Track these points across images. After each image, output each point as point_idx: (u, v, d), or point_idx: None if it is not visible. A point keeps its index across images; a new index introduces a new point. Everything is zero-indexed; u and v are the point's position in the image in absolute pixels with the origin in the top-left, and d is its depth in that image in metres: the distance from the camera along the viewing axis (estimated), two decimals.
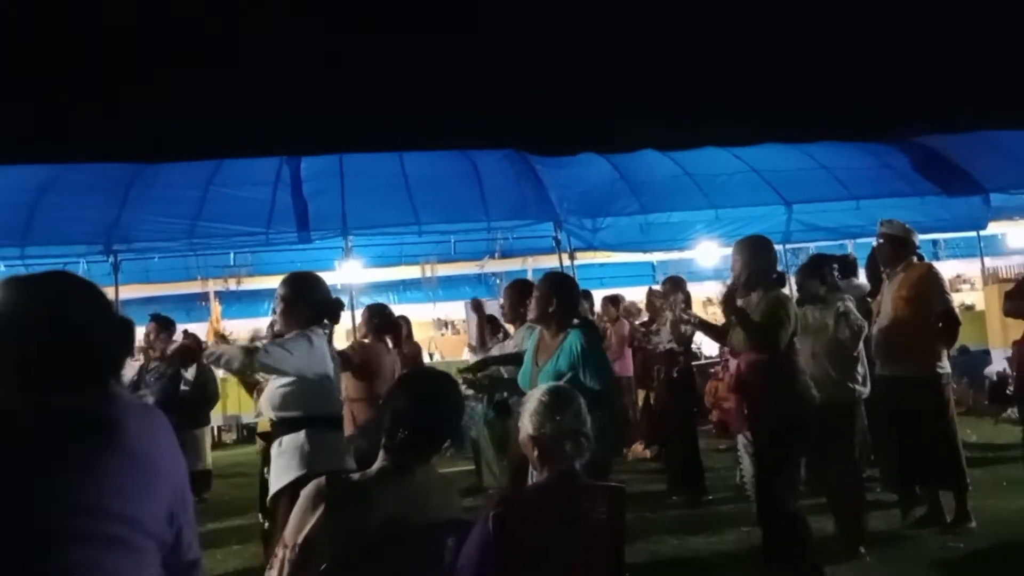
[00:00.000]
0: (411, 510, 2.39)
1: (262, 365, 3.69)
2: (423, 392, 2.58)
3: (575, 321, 4.39)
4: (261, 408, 3.89)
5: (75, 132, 20.88)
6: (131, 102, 23.59)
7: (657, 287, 9.93)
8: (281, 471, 3.71)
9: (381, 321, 6.38)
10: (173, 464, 1.78)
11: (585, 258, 12.77)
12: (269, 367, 3.71)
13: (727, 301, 4.70)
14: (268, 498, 3.79)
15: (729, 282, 4.90)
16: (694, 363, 8.17)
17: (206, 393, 7.93)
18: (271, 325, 5.84)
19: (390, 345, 6.52)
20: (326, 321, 4.07)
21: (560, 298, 4.39)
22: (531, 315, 4.54)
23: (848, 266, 6.58)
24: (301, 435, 3.71)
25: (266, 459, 3.98)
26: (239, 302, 15.23)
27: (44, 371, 1.62)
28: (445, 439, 2.60)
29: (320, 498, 2.31)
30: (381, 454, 2.49)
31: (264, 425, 4.42)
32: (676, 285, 7.60)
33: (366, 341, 6.38)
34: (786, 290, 5.04)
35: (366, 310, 6.53)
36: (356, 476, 2.46)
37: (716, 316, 13.48)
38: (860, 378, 5.52)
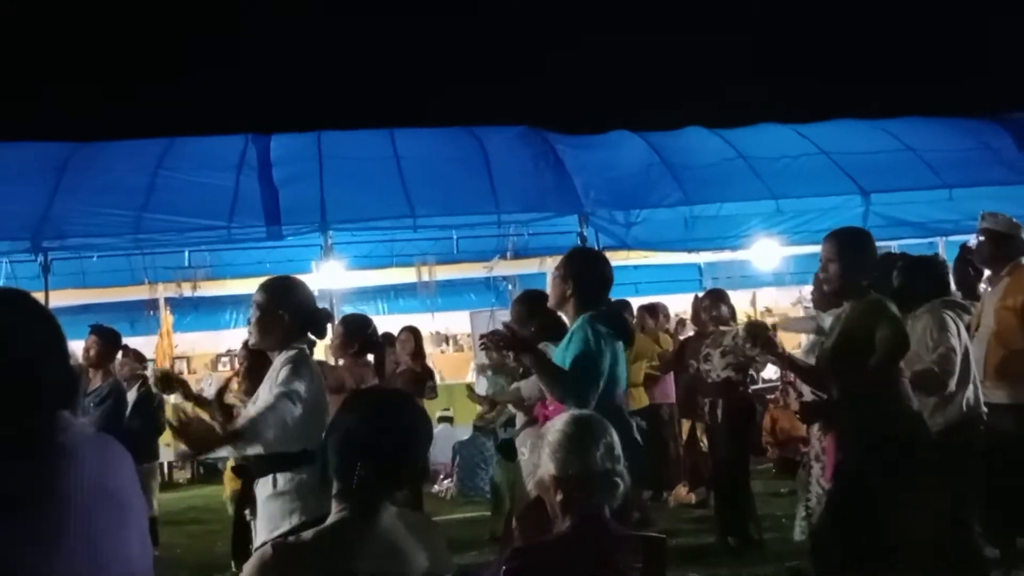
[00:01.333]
0: (386, 565, 2.35)
1: (265, 442, 3.71)
2: (376, 413, 2.53)
3: (601, 308, 4.41)
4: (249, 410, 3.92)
5: None
6: (62, 65, 23.72)
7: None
8: (277, 515, 3.73)
9: (364, 340, 6.34)
10: (138, 503, 1.91)
11: (617, 259, 12.67)
12: (274, 439, 3.72)
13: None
14: (255, 548, 3.81)
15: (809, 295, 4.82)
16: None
17: (155, 422, 7.98)
18: (245, 343, 5.89)
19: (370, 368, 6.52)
20: (310, 335, 4.11)
21: (579, 278, 4.41)
22: (550, 301, 4.58)
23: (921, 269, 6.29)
24: (303, 473, 3.74)
25: (244, 501, 3.99)
26: (195, 311, 15.30)
27: None
28: (410, 469, 2.57)
29: (267, 573, 2.28)
30: (334, 503, 2.45)
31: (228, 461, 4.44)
32: (716, 299, 7.63)
33: (340, 363, 6.38)
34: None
35: (340, 323, 6.49)
36: (308, 535, 2.40)
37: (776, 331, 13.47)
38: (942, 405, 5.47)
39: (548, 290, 4.58)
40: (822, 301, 6.06)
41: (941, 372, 5.13)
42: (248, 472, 3.95)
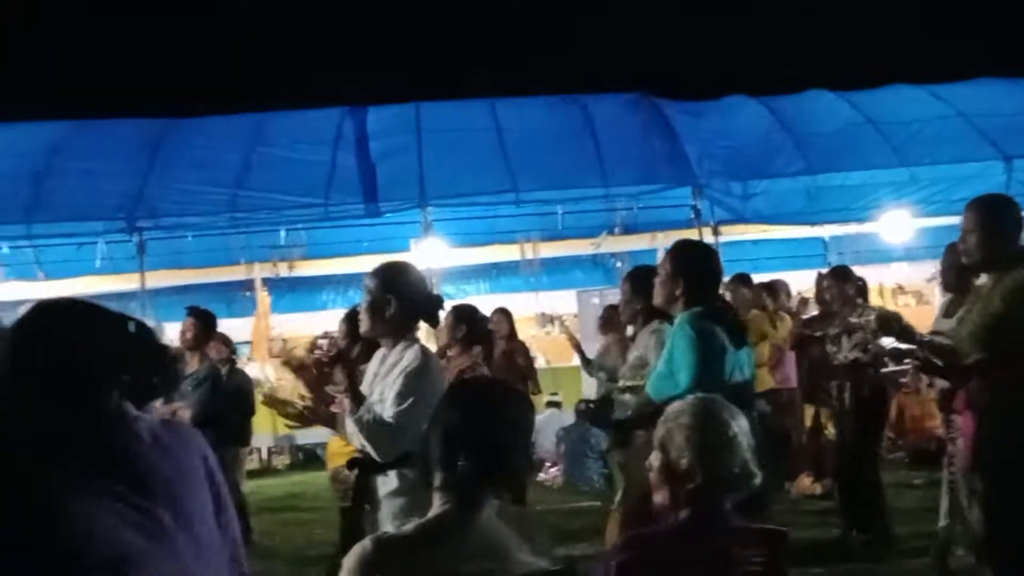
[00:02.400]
0: (488, 563, 2.37)
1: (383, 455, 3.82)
2: (481, 403, 2.55)
3: (714, 305, 4.36)
4: (353, 437, 3.98)
5: (88, 79, 21.68)
6: (153, 40, 24.36)
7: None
8: (400, 511, 3.77)
9: (470, 328, 6.41)
10: (204, 488, 2.12)
11: (733, 233, 12.63)
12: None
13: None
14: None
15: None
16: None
17: (245, 404, 8.18)
18: (347, 325, 6.01)
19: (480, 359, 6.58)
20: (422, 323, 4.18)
21: (689, 275, 4.37)
22: (656, 299, 4.54)
23: None
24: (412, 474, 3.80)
25: (363, 495, 4.06)
26: (292, 292, 15.60)
27: (35, 392, 2.01)
28: (513, 462, 2.57)
29: (368, 569, 2.32)
30: (435, 497, 2.47)
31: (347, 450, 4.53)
32: (841, 277, 7.43)
33: (450, 354, 6.45)
34: None
35: (450, 313, 6.55)
36: (408, 529, 2.44)
37: (909, 308, 13.17)
38: None
39: (655, 293, 4.52)
40: (954, 281, 5.86)
41: None
42: (365, 466, 4.01)
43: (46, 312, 2.13)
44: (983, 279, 4.50)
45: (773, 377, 9.03)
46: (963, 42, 20.98)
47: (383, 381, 3.96)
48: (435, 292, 4.34)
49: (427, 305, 4.17)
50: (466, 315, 6.52)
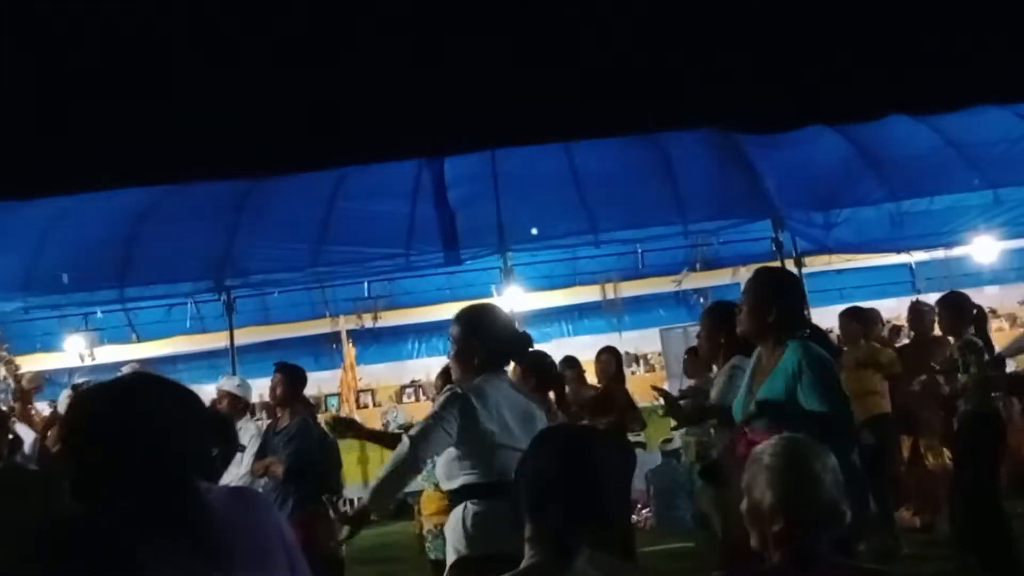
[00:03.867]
0: None
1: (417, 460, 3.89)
2: (574, 449, 2.50)
3: (804, 333, 4.28)
4: (438, 476, 4.06)
5: (173, 146, 22.30)
6: (236, 104, 24.96)
7: (924, 298, 9.53)
8: (461, 544, 3.88)
9: (540, 376, 6.37)
10: (283, 554, 2.13)
11: (817, 264, 12.47)
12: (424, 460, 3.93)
13: None
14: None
15: None
16: None
17: (333, 456, 8.22)
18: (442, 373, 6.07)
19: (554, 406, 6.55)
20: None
21: (778, 303, 4.30)
22: (741, 327, 4.47)
23: None
24: (459, 509, 3.86)
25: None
26: (377, 342, 15.74)
27: (112, 479, 2.02)
28: (607, 512, 2.52)
29: None
30: (527, 548, 2.43)
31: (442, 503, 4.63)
32: (958, 310, 7.14)
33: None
34: None
35: (519, 363, 6.53)
36: None
37: (1003, 332, 12.85)
38: None
39: (740, 318, 4.45)
40: None
41: None
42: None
43: (112, 396, 2.15)
44: None
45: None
46: None
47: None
48: (524, 332, 4.33)
49: (514, 344, 4.17)
50: (536, 363, 6.44)
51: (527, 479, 2.49)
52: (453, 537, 3.91)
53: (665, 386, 12.72)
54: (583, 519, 2.42)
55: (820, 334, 4.65)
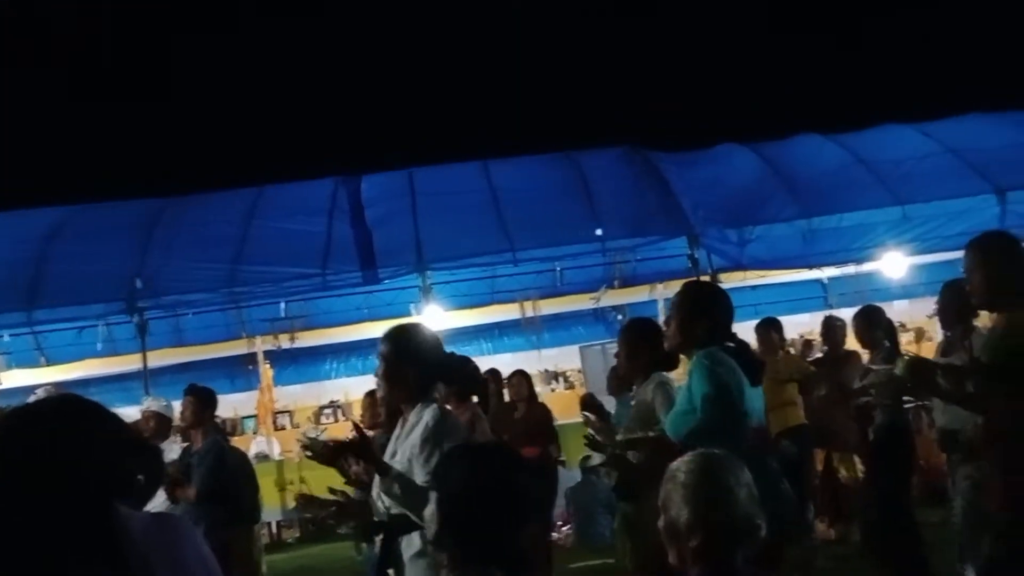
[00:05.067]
0: None
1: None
2: (486, 467, 2.49)
3: (728, 346, 4.32)
4: (378, 500, 3.95)
5: (82, 163, 21.86)
6: (147, 120, 24.59)
7: (836, 313, 9.72)
8: (425, 573, 3.78)
9: (463, 381, 6.35)
10: (201, 574, 2.06)
11: (732, 280, 12.60)
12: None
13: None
14: None
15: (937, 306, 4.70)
16: None
17: (249, 479, 8.09)
18: (369, 395, 5.99)
19: (478, 411, 6.52)
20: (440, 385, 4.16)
21: (707, 316, 4.33)
22: (669, 341, 4.49)
23: None
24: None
25: (387, 559, 4.03)
26: (295, 363, 15.61)
27: (29, 505, 1.94)
28: (524, 533, 2.50)
29: None
30: (446, 570, 2.43)
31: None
32: (873, 322, 7.34)
33: (447, 408, 6.41)
34: None
35: None
36: None
37: (912, 346, 13.10)
38: None
39: (669, 332, 4.48)
40: (954, 319, 5.86)
41: None
42: (387, 530, 3.97)
43: (30, 420, 2.08)
44: (992, 317, 4.51)
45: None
46: (947, 79, 21.15)
47: (404, 442, 3.93)
48: (457, 355, 4.30)
49: (445, 365, 4.14)
50: (456, 366, 6.46)
51: (438, 503, 2.46)
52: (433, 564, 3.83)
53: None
54: (495, 544, 2.40)
55: (744, 347, 4.69)
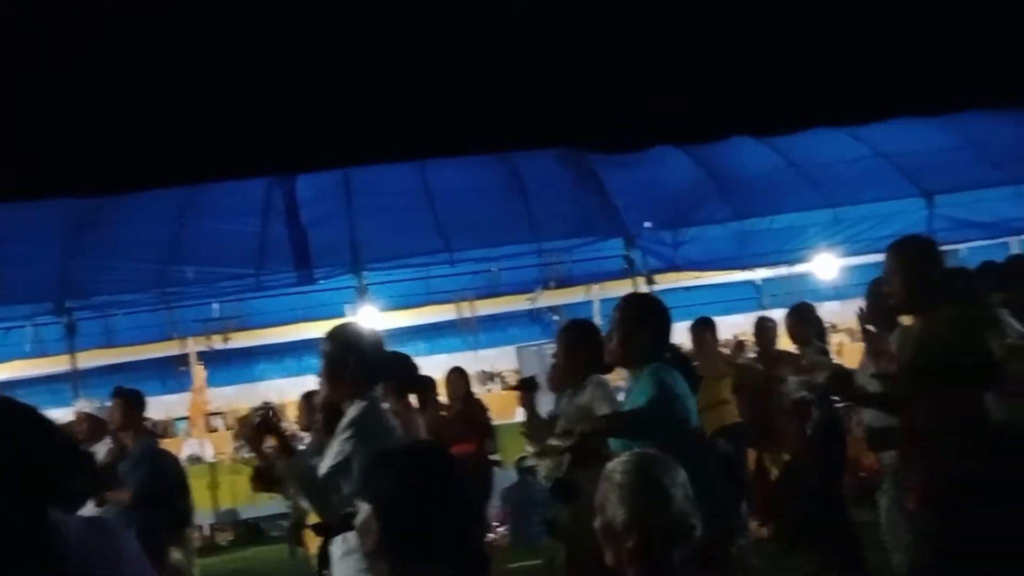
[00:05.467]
0: None
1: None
2: (422, 467, 2.49)
3: (666, 357, 4.38)
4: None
5: (9, 163, 21.43)
6: (78, 118, 24.16)
7: (768, 314, 9.85)
8: (354, 572, 3.77)
9: (401, 377, 6.34)
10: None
11: (666, 281, 12.72)
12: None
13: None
14: None
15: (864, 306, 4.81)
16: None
17: (181, 481, 7.99)
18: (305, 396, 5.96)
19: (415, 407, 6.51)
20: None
21: (647, 329, 4.38)
22: (610, 356, 4.53)
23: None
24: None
25: (324, 560, 4.03)
26: (228, 364, 15.41)
27: None
28: (459, 535, 2.50)
29: None
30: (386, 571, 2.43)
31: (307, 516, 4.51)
32: (804, 319, 7.49)
33: (378, 404, 6.38)
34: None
35: None
36: None
37: (844, 346, 13.33)
38: None
39: (611, 346, 4.51)
40: (879, 319, 5.99)
41: None
42: (327, 530, 3.97)
43: None
44: (911, 319, 4.63)
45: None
46: (877, 81, 21.51)
47: (333, 440, 3.94)
48: (401, 353, 4.33)
49: (386, 364, 4.15)
50: (395, 362, 6.44)
51: (373, 506, 2.46)
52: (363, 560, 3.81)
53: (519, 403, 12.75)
54: (430, 547, 2.40)
55: (682, 358, 4.78)
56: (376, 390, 4.07)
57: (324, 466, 3.80)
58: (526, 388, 5.52)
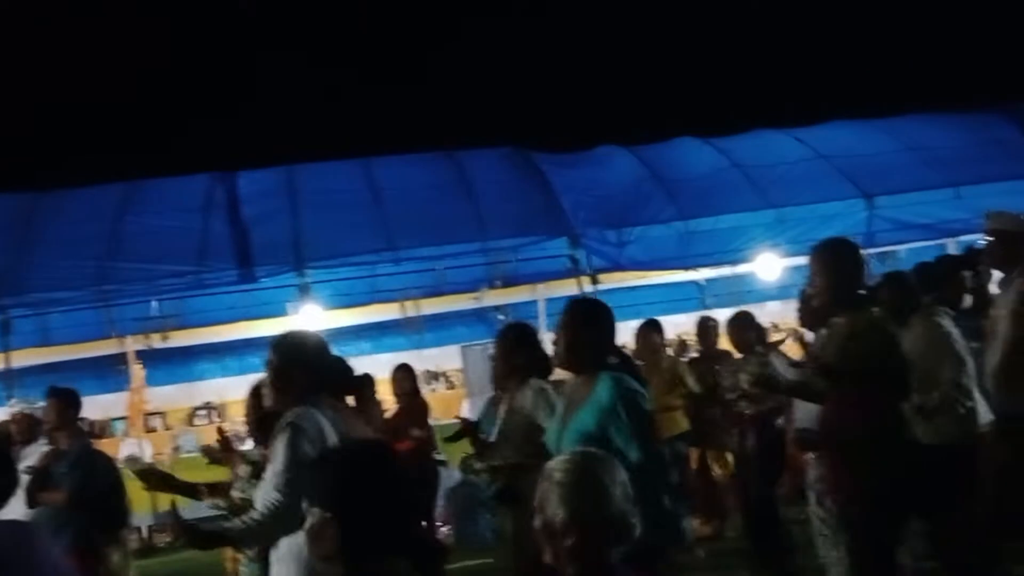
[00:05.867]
0: None
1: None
2: (368, 472, 2.49)
3: (612, 361, 4.38)
4: (257, 504, 3.90)
5: None
6: (16, 112, 23.75)
7: (710, 314, 9.93)
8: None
9: (339, 378, 6.27)
10: None
11: (611, 281, 12.78)
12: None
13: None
14: None
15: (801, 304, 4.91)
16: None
17: (117, 482, 7.89)
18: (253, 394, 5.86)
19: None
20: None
21: (592, 333, 4.38)
22: (557, 361, 4.53)
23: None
24: (301, 536, 3.74)
25: (267, 564, 4.01)
26: (167, 363, 15.21)
27: None
28: (406, 529, 2.50)
29: None
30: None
31: None
32: (742, 324, 7.58)
33: (309, 409, 6.32)
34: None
35: None
36: None
37: (785, 345, 13.45)
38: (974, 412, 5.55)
39: (557, 351, 4.50)
40: (809, 319, 6.09)
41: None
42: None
43: None
44: (836, 319, 4.77)
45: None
46: (818, 88, 21.77)
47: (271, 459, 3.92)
48: (343, 359, 4.31)
49: (332, 371, 4.14)
50: (331, 364, 6.38)
51: (332, 504, 2.44)
52: (289, 567, 3.80)
53: (465, 405, 12.81)
54: (379, 542, 2.39)
55: (629, 363, 4.80)
56: (321, 397, 4.05)
57: (264, 500, 3.76)
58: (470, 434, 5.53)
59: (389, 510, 2.43)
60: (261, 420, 4.71)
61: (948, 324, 5.63)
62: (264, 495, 3.78)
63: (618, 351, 4.55)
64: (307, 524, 2.49)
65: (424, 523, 8.54)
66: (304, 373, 4.00)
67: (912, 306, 5.75)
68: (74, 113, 23.63)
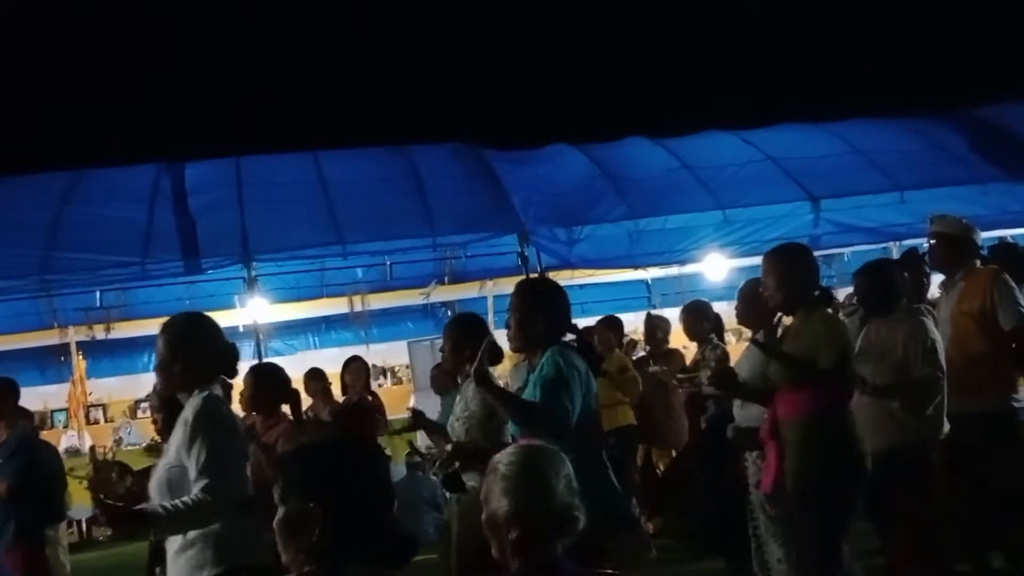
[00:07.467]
0: None
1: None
2: (357, 465, 2.52)
3: (568, 339, 4.42)
4: (152, 495, 3.83)
5: None
6: (14, 112, 23.34)
7: (658, 312, 10.01)
8: (188, 569, 3.68)
9: (274, 389, 6.19)
10: None
11: (561, 278, 12.80)
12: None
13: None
14: None
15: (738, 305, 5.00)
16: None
17: (57, 475, 7.79)
18: (154, 389, 5.76)
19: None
20: (222, 377, 4.04)
21: (544, 313, 4.41)
22: (512, 342, 4.54)
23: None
24: (215, 523, 3.69)
25: (156, 556, 3.94)
26: (110, 355, 15.05)
27: None
28: (378, 524, 2.52)
29: None
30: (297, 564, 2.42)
31: None
32: (701, 316, 7.62)
33: (215, 395, 6.26)
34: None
35: (249, 375, 6.18)
36: None
37: (731, 345, 13.60)
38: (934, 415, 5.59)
39: (510, 334, 4.52)
40: (744, 316, 6.15)
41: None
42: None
43: None
44: (789, 320, 4.89)
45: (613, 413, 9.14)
46: (767, 88, 22.00)
47: (175, 436, 3.82)
48: (229, 342, 4.16)
49: (223, 356, 4.03)
50: (267, 375, 6.28)
51: (289, 504, 2.45)
52: (201, 553, 3.71)
53: (412, 400, 12.79)
54: (350, 535, 2.42)
55: (585, 342, 4.82)
56: (214, 384, 3.93)
57: (192, 474, 3.67)
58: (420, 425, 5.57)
59: (374, 500, 2.46)
60: (165, 403, 4.62)
61: (931, 325, 5.66)
62: (194, 483, 3.63)
63: (575, 329, 4.57)
64: (279, 516, 2.48)
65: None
66: (187, 358, 3.86)
67: (895, 300, 5.70)
68: (74, 113, 23.32)
